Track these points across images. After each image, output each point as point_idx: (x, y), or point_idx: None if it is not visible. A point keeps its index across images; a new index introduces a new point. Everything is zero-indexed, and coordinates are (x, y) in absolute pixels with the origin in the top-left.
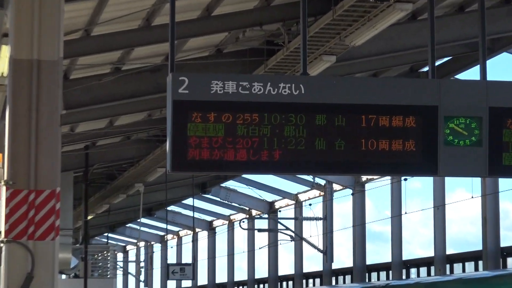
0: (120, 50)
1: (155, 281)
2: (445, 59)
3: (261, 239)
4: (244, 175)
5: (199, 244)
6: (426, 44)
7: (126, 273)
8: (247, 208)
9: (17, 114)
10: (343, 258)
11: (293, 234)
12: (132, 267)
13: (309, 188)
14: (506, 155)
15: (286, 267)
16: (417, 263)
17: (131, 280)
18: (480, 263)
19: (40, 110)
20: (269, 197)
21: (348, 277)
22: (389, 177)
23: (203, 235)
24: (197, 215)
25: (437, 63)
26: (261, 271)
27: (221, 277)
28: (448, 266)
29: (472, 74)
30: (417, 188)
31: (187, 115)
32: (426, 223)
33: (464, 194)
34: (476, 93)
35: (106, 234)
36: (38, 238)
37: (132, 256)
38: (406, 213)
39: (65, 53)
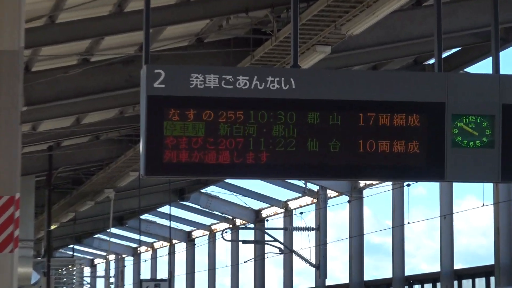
0: (88, 39)
1: None
2: (453, 50)
3: (246, 251)
4: (227, 180)
5: (176, 257)
6: (432, 33)
7: None
8: (231, 217)
9: None
10: (338, 273)
11: (282, 246)
12: (100, 283)
13: (300, 195)
14: None
15: (274, 283)
16: (421, 279)
17: None
18: (492, 279)
19: None
20: (255, 204)
21: None
22: (390, 183)
23: (180, 247)
24: (174, 224)
25: (444, 55)
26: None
27: None
28: (456, 282)
29: (483, 67)
30: (422, 195)
31: (163, 113)
32: (432, 234)
33: (474, 201)
34: (488, 89)
35: (71, 246)
36: None
37: (100, 271)
38: (409, 222)
39: (27, 42)
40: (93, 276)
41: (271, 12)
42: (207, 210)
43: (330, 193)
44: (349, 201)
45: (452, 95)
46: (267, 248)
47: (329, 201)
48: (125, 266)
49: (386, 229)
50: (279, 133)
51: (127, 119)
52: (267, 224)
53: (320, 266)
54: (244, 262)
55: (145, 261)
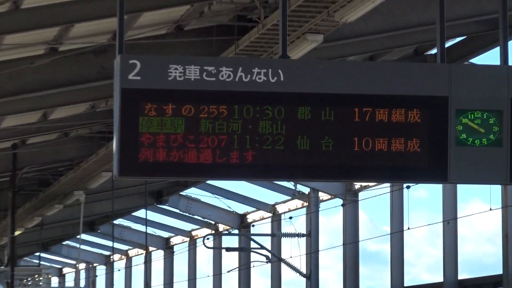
0: (57, 26)
1: None
2: (458, 39)
3: (230, 260)
4: (209, 182)
5: (153, 266)
6: (434, 20)
7: None
8: (213, 222)
9: None
10: (330, 283)
11: (269, 254)
12: None
13: (289, 198)
14: None
15: None
16: None
17: None
18: None
19: None
20: (240, 208)
21: None
22: (388, 185)
23: (158, 255)
24: (150, 230)
25: (447, 44)
26: None
27: None
28: None
29: (490, 58)
30: (423, 198)
31: (138, 107)
32: (434, 241)
33: (480, 205)
34: (496, 81)
35: (38, 253)
36: None
37: (70, 281)
38: (409, 228)
39: None
40: (62, 286)
41: None
42: (187, 214)
43: (322, 195)
44: (343, 205)
45: (456, 88)
46: (253, 256)
47: (321, 205)
48: (96, 276)
49: (383, 235)
50: (266, 130)
51: (99, 115)
52: (253, 230)
53: (311, 276)
54: (228, 271)
55: (119, 270)
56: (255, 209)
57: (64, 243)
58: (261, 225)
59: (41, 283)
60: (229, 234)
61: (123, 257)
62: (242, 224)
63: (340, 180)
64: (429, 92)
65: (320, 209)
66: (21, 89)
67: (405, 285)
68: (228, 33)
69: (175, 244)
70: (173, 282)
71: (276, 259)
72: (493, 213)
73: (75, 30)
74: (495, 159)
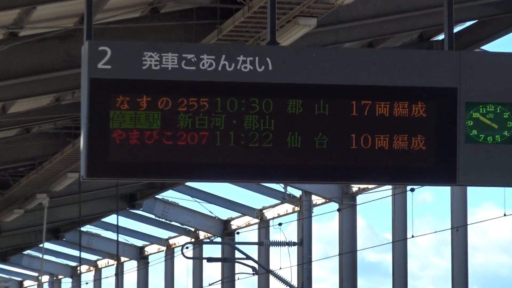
0: (17, 8)
1: None
2: (468, 23)
3: (212, 271)
4: (188, 184)
5: (125, 278)
6: (441, 2)
7: None
8: (193, 229)
9: None
10: None
11: (256, 265)
12: None
13: (278, 202)
14: None
15: None
16: None
17: None
18: None
19: None
20: (223, 213)
21: None
22: (389, 187)
23: (131, 266)
24: (122, 238)
25: (456, 29)
26: None
27: None
28: None
29: (504, 44)
30: (429, 202)
31: (109, 100)
32: (441, 251)
33: (493, 210)
34: (511, 71)
35: None
36: None
37: None
38: (413, 236)
39: None
40: None
41: None
42: (163, 220)
43: (315, 199)
44: (339, 210)
45: (465, 79)
46: (238, 267)
47: (315, 210)
48: None
49: (384, 244)
50: (252, 126)
51: (64, 108)
52: (237, 238)
53: None
54: (210, 284)
55: (87, 283)
56: (240, 214)
57: (25, 252)
58: (247, 233)
59: None
60: (211, 242)
61: (91, 268)
62: (225, 231)
63: (335, 182)
64: (436, 83)
65: (313, 214)
66: None
67: None
68: (209, 16)
69: (150, 254)
70: None
71: (263, 271)
72: (507, 219)
73: (38, 13)
74: (510, 158)
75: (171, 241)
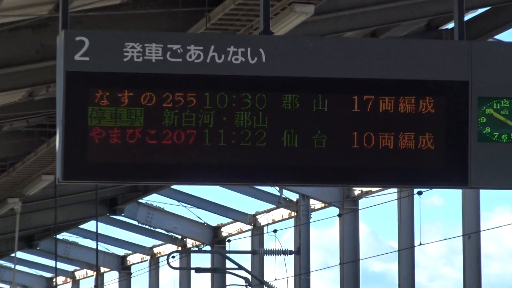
0: None
1: None
2: (480, 10)
3: (201, 283)
4: (174, 187)
5: None
6: None
7: None
8: (179, 237)
9: None
10: None
11: (249, 276)
12: None
13: (273, 207)
14: None
15: None
16: None
17: None
18: None
19: None
20: (212, 219)
21: None
22: (394, 190)
23: (111, 277)
24: (102, 246)
25: (467, 17)
26: None
27: None
28: None
29: None
30: (438, 207)
31: (87, 95)
32: (451, 260)
33: (508, 215)
34: None
35: None
36: None
37: None
38: (421, 244)
39: None
40: None
41: None
42: (147, 227)
43: (314, 203)
44: (339, 215)
45: (478, 71)
46: (229, 278)
47: (313, 215)
48: None
49: (389, 252)
50: (244, 123)
51: (38, 104)
52: (228, 246)
53: None
54: None
55: None
56: (231, 220)
57: None
58: (239, 240)
59: None
60: (200, 251)
61: (68, 280)
62: (215, 239)
63: (336, 184)
64: (445, 76)
65: (311, 220)
66: None
67: None
68: (197, 3)
69: (133, 264)
70: None
71: (257, 282)
72: None
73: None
74: None
75: (155, 250)
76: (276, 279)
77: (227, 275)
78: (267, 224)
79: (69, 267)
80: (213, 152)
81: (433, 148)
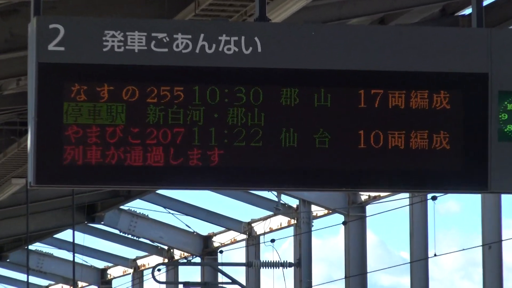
0: None
1: None
2: None
3: None
4: (160, 191)
5: None
6: None
7: None
8: (166, 247)
9: None
10: None
11: None
12: None
13: (271, 213)
14: None
15: None
16: None
17: None
18: None
19: None
20: (203, 228)
21: None
22: (406, 195)
23: None
24: (79, 258)
25: (486, 2)
26: None
27: None
28: None
29: None
30: (454, 214)
31: (62, 89)
32: (469, 272)
33: None
34: None
35: None
36: None
37: None
38: (435, 255)
39: None
40: None
41: None
42: (130, 236)
43: (316, 210)
44: (344, 223)
45: (498, 62)
46: None
47: (315, 223)
48: None
49: (400, 264)
50: (238, 120)
51: (7, 99)
52: (221, 258)
53: None
54: None
55: None
56: (224, 229)
57: None
58: (233, 251)
59: None
60: (189, 263)
61: None
62: (206, 250)
63: (340, 189)
64: (462, 68)
65: (313, 228)
66: None
67: None
68: None
69: (114, 278)
70: None
71: None
72: None
73: None
74: None
75: (139, 262)
76: None
77: None
78: (264, 233)
79: (43, 282)
80: (203, 153)
81: (449, 148)
